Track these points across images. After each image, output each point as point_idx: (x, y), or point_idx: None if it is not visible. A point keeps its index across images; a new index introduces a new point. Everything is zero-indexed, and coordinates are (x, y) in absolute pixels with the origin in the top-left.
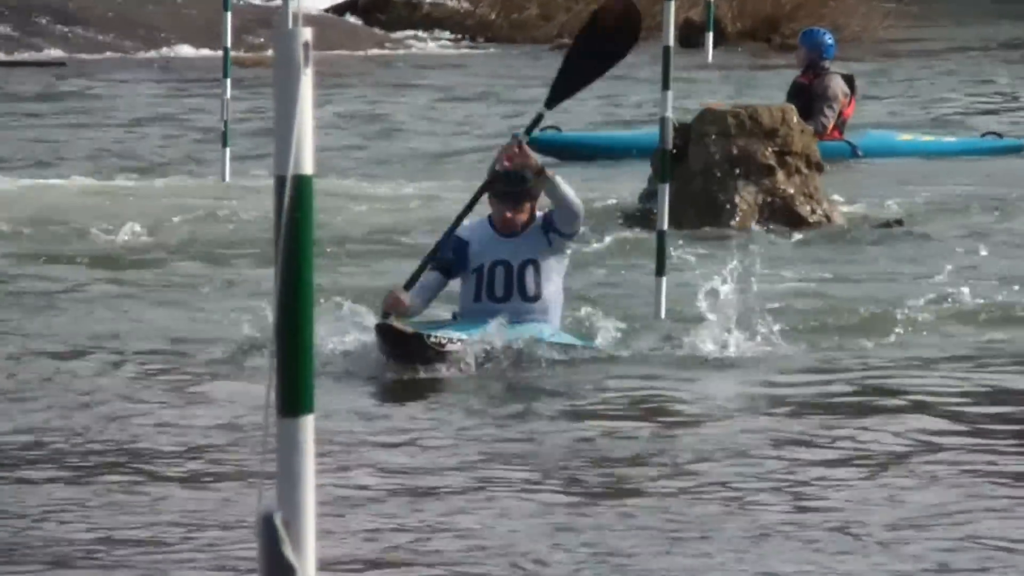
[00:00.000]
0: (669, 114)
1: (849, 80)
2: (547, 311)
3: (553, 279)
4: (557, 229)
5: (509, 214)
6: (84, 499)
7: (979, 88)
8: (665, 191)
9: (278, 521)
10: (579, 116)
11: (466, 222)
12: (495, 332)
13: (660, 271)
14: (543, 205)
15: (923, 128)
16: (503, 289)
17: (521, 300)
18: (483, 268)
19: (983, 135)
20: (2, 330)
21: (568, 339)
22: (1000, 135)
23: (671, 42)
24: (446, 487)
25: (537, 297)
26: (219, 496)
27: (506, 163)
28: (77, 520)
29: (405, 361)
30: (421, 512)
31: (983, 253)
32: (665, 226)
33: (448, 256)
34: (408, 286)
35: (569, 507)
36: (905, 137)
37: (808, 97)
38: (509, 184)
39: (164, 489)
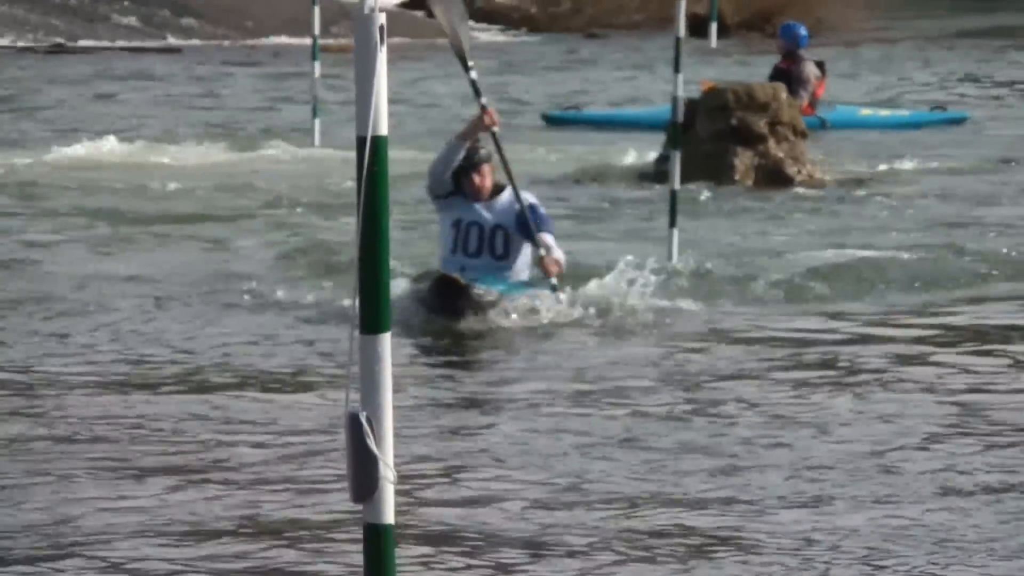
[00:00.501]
0: (680, 93)
1: (820, 65)
2: (513, 268)
3: (520, 245)
4: (531, 236)
5: (476, 180)
6: (199, 412)
7: (932, 69)
8: (676, 156)
9: (363, 419)
10: (602, 94)
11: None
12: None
13: (672, 223)
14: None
15: (883, 104)
16: (475, 247)
17: (491, 258)
18: (460, 224)
19: (931, 108)
20: (132, 273)
21: (540, 289)
22: (945, 108)
23: (682, 33)
24: (497, 400)
25: (505, 256)
26: (311, 401)
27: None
28: (193, 434)
29: (453, 310)
30: (478, 420)
31: (939, 208)
32: (677, 185)
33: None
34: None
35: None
36: (866, 112)
37: (786, 80)
38: (467, 159)
39: (268, 398)
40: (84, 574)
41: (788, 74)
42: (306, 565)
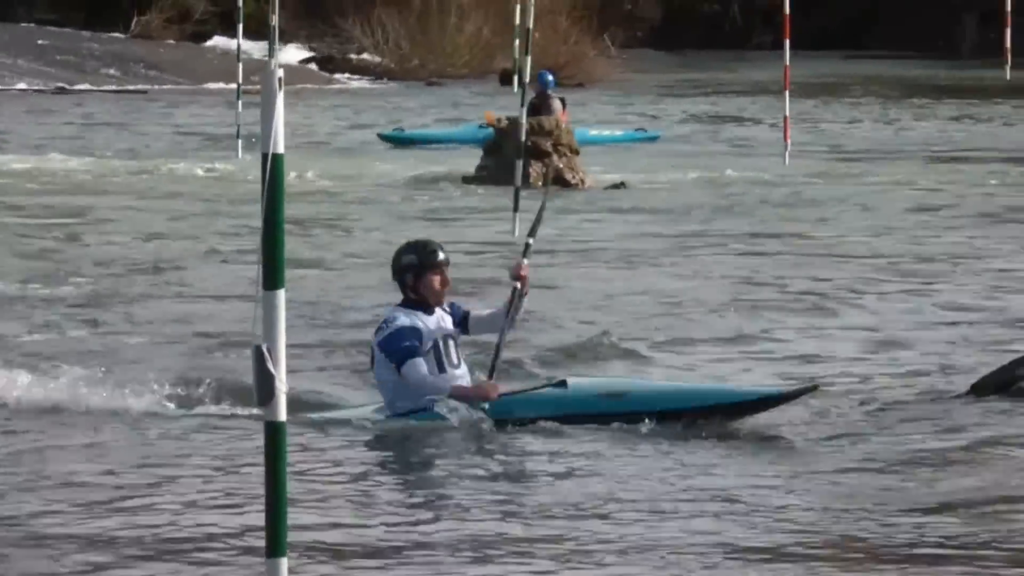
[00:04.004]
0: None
1: (563, 100)
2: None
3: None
4: (467, 327)
5: (447, 286)
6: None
7: (647, 106)
8: (519, 164)
9: (264, 349)
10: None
11: (399, 316)
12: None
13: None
14: None
15: (607, 126)
16: (456, 356)
17: (461, 361)
18: (437, 343)
19: (636, 129)
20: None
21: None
22: (646, 130)
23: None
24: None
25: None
26: (227, 341)
27: (518, 284)
28: None
29: None
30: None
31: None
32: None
33: (415, 345)
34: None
35: None
36: (594, 132)
37: (538, 111)
38: (431, 259)
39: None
40: None
41: (539, 107)
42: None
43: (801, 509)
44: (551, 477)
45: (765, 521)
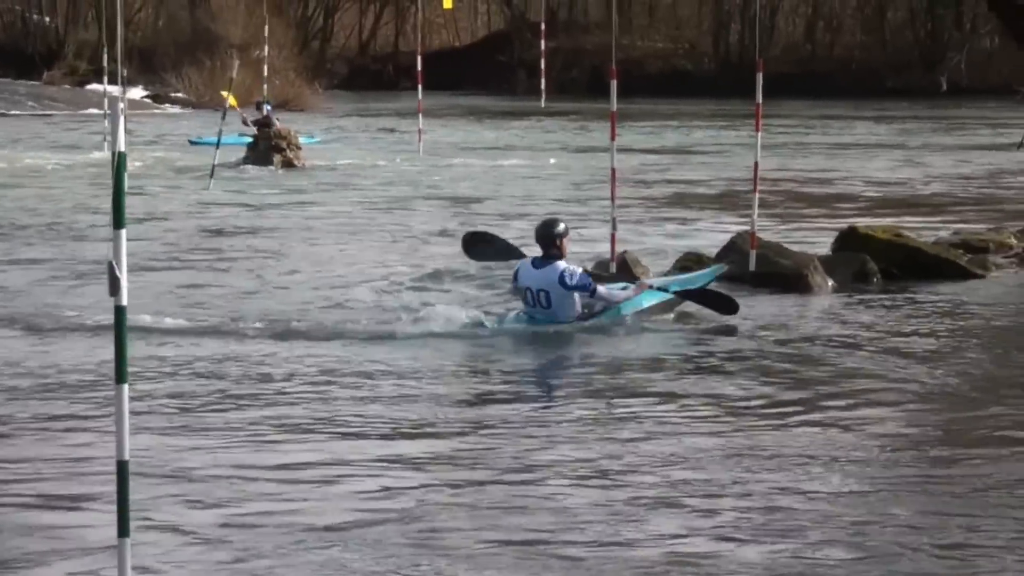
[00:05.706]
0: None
1: (278, 119)
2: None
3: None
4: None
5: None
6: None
7: (336, 122)
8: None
9: (113, 263)
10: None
11: (571, 264)
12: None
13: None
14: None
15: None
16: None
17: None
18: None
19: (309, 135)
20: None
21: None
22: (312, 135)
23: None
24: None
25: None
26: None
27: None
28: None
29: None
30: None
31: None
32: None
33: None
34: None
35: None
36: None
37: (266, 125)
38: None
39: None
40: None
41: (267, 123)
42: None
43: None
44: None
45: None
